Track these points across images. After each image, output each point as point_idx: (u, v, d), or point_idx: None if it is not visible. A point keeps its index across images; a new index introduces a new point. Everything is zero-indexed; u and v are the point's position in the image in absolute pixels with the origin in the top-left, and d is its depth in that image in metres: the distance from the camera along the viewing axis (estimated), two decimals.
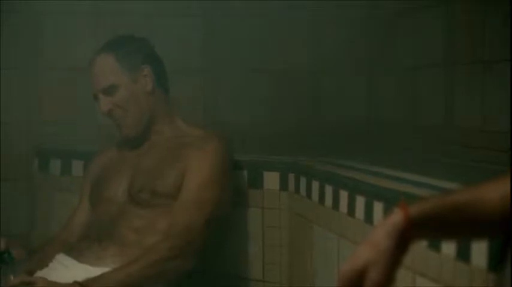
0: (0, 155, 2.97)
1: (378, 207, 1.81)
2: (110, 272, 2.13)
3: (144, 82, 2.38)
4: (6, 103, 2.99)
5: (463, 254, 1.41)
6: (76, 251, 2.29)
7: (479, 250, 1.35)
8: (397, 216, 1.18)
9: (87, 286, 2.05)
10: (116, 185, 2.37)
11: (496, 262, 1.26)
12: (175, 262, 2.17)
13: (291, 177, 2.48)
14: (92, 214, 2.42)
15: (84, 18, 3.04)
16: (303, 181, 2.38)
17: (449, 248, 1.46)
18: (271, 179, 2.52)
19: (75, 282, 2.06)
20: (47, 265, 2.31)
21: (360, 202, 1.92)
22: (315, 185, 2.26)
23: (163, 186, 2.29)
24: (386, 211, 1.76)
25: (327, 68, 3.14)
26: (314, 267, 2.29)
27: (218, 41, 3.09)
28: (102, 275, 2.11)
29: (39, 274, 2.25)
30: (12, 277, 2.08)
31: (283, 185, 2.50)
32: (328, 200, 2.15)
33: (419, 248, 1.53)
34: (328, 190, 2.15)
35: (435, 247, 1.51)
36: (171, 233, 2.20)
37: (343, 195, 2.03)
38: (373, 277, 1.16)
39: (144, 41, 2.45)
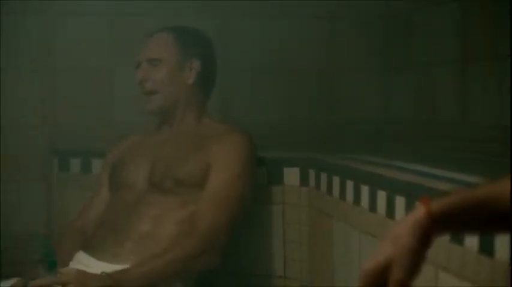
0: (18, 156, 2.99)
1: (400, 202, 1.80)
2: (136, 265, 2.14)
3: (188, 73, 2.42)
4: (21, 104, 3.00)
5: (486, 248, 1.41)
6: (93, 248, 2.30)
7: (503, 244, 1.35)
8: (419, 212, 1.18)
9: (115, 277, 2.07)
10: (136, 171, 2.38)
11: None
12: (200, 259, 2.18)
13: (312, 173, 2.48)
14: (110, 201, 2.43)
15: (99, 19, 3.04)
16: (323, 176, 2.37)
17: (472, 241, 1.45)
18: (291, 175, 2.52)
19: (104, 273, 2.08)
20: (67, 264, 2.32)
21: (382, 196, 1.91)
22: (336, 180, 2.26)
23: (187, 174, 2.29)
24: (408, 206, 1.75)
25: (342, 66, 3.13)
26: (335, 263, 2.28)
27: (234, 40, 3.09)
28: (128, 269, 2.13)
29: None
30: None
31: (304, 181, 2.50)
32: (349, 195, 2.14)
33: (441, 242, 1.52)
34: (349, 185, 2.15)
35: (458, 240, 1.51)
36: (198, 231, 2.20)
37: (364, 190, 2.03)
38: (397, 275, 1.16)
39: (208, 41, 2.50)
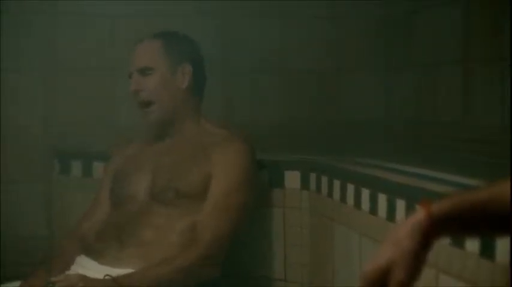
0: (18, 156, 2.99)
1: (400, 205, 1.80)
2: (139, 271, 2.15)
3: (180, 78, 2.39)
4: (22, 104, 3.00)
5: (487, 251, 1.40)
6: (96, 252, 2.29)
7: (504, 247, 1.34)
8: (420, 214, 1.18)
9: (119, 281, 2.08)
10: (137, 183, 2.37)
11: None
12: (204, 270, 2.20)
13: (312, 176, 2.47)
14: (112, 211, 2.42)
15: (100, 19, 3.04)
16: (324, 179, 2.37)
17: (472, 245, 1.45)
18: (292, 179, 2.51)
19: (108, 276, 2.09)
20: (68, 269, 2.32)
21: (382, 199, 1.91)
22: (336, 183, 2.25)
23: (188, 186, 2.28)
24: (409, 209, 1.75)
25: (342, 66, 3.13)
26: (336, 266, 2.28)
27: (234, 40, 3.08)
28: (132, 273, 2.14)
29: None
30: None
31: (305, 184, 2.50)
32: (350, 198, 2.14)
33: (442, 245, 1.52)
34: (350, 188, 2.14)
35: (458, 243, 1.50)
36: (200, 241, 2.21)
37: (365, 193, 2.02)
38: (398, 277, 1.16)
39: (195, 44, 2.47)
